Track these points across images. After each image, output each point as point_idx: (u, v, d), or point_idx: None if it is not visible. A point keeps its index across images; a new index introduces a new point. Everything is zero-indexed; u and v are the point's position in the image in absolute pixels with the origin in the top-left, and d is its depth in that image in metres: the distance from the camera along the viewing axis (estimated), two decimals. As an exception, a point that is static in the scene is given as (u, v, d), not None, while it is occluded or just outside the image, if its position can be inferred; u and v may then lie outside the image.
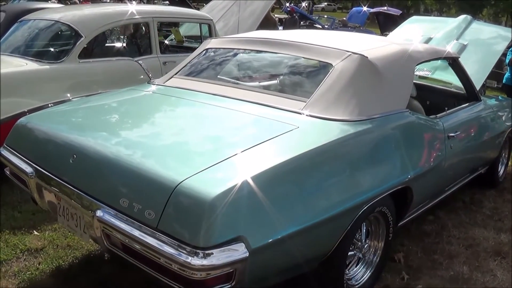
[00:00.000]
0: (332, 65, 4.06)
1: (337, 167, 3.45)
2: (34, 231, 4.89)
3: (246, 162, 3.09)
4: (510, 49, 9.43)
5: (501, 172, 7.04)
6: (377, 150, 3.84)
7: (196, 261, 2.62)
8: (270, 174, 3.00)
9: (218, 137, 3.57)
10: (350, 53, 4.10)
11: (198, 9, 13.06)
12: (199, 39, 8.98)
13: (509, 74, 9.65)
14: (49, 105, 5.81)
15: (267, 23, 12.13)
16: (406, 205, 4.24)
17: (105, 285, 4.06)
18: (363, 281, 4.05)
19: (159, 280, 2.92)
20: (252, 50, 4.96)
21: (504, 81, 9.90)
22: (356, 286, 3.98)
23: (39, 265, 4.32)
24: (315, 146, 3.33)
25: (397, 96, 4.22)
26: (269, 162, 3.05)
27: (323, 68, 4.25)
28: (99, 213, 3.09)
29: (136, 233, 2.86)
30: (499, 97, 7.68)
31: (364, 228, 3.99)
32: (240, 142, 3.36)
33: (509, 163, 7.42)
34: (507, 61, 9.72)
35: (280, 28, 22.53)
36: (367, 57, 4.05)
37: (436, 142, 4.52)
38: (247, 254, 2.72)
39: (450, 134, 4.70)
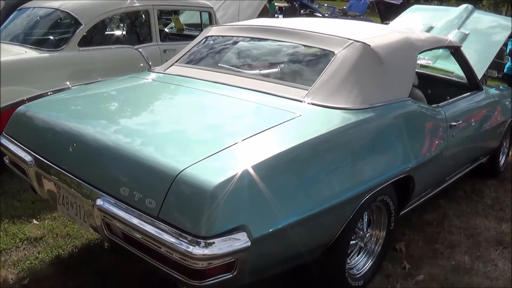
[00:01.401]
0: (334, 53, 4.03)
1: (339, 156, 3.42)
2: (34, 220, 4.87)
3: (247, 150, 3.06)
4: (511, 38, 9.40)
5: (502, 161, 7.03)
6: (379, 139, 3.81)
7: (197, 250, 2.60)
8: (272, 163, 2.98)
9: (219, 125, 3.54)
10: (352, 41, 4.07)
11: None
12: (199, 27, 8.96)
13: (510, 64, 9.63)
14: (49, 93, 5.80)
15: (261, 10, 12.12)
16: (408, 194, 4.22)
17: (105, 274, 4.04)
18: (365, 270, 4.04)
19: (159, 270, 2.90)
20: (253, 38, 4.92)
21: (505, 70, 9.89)
22: (358, 276, 3.96)
23: (38, 254, 4.31)
24: (317, 134, 3.30)
25: (399, 84, 4.20)
26: (270, 151, 3.02)
27: (325, 56, 4.23)
28: (99, 201, 3.06)
29: (137, 222, 2.84)
30: (500, 86, 7.64)
31: (366, 217, 3.97)
32: (241, 130, 3.34)
33: (510, 152, 7.40)
34: (507, 51, 9.69)
35: (280, 16, 22.52)
36: (369, 45, 4.02)
37: (438, 131, 4.50)
38: (249, 244, 2.70)
39: (452, 123, 4.68)
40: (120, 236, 3.08)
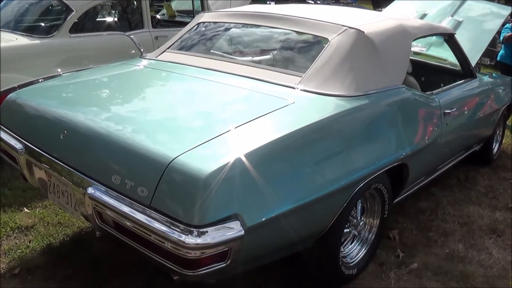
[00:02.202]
0: (328, 39, 3.99)
1: (333, 144, 3.39)
2: (25, 208, 4.84)
3: (240, 138, 3.03)
4: (505, 26, 9.38)
5: (495, 149, 7.03)
6: (374, 126, 3.78)
7: (190, 239, 2.56)
8: (265, 150, 2.94)
9: (211, 112, 3.50)
10: (346, 27, 4.02)
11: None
12: (191, 13, 8.91)
13: (503, 52, 9.61)
14: (40, 80, 5.75)
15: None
16: (402, 182, 4.20)
17: (97, 263, 4.01)
18: (358, 259, 4.02)
19: (152, 259, 2.86)
20: (246, 24, 4.87)
21: (498, 58, 9.87)
22: (351, 264, 3.94)
23: (29, 243, 4.28)
24: (311, 122, 3.26)
25: (393, 71, 4.17)
26: (264, 139, 2.98)
27: (319, 42, 4.19)
28: (90, 190, 3.02)
29: (128, 210, 2.80)
30: (493, 74, 7.63)
31: (360, 205, 3.95)
32: (234, 118, 3.30)
33: (503, 140, 7.40)
34: (501, 38, 9.68)
35: (272, 3, 22.45)
36: (363, 32, 3.98)
37: (433, 118, 4.47)
38: (242, 232, 2.66)
39: (446, 111, 4.65)
40: (112, 225, 3.04)
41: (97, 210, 3.07)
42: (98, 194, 2.98)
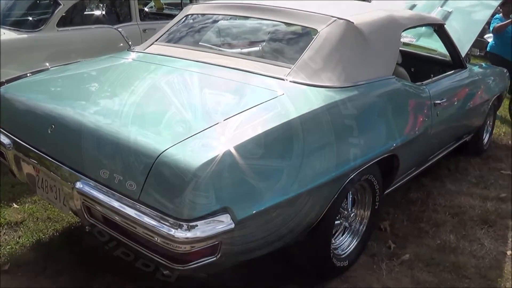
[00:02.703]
0: (317, 30, 3.95)
1: (323, 135, 3.35)
2: (14, 204, 4.81)
3: (229, 130, 2.99)
4: (494, 17, 9.39)
5: (486, 140, 7.03)
6: (364, 117, 3.76)
7: (179, 233, 2.54)
8: (255, 143, 2.91)
9: (200, 105, 3.47)
10: (335, 18, 4.00)
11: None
12: (179, 6, 8.89)
13: (493, 42, 9.61)
14: (27, 74, 5.73)
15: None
16: (393, 173, 4.19)
17: (87, 258, 3.99)
18: (350, 250, 4.01)
19: (142, 254, 2.84)
20: (235, 16, 4.85)
21: (488, 49, 9.86)
22: (343, 256, 3.93)
23: (19, 238, 4.25)
24: (301, 113, 3.23)
25: (383, 62, 4.15)
26: (253, 131, 2.96)
27: (308, 34, 4.17)
28: (78, 184, 3.00)
29: (117, 205, 2.78)
30: (483, 64, 7.63)
31: (350, 196, 3.93)
32: (223, 110, 3.27)
33: (494, 130, 7.40)
34: (490, 29, 9.68)
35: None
36: (353, 23, 3.96)
37: (423, 109, 4.46)
38: (232, 226, 2.65)
39: (436, 102, 4.64)
40: (101, 220, 3.02)
41: (85, 205, 3.05)
42: (86, 188, 2.96)
